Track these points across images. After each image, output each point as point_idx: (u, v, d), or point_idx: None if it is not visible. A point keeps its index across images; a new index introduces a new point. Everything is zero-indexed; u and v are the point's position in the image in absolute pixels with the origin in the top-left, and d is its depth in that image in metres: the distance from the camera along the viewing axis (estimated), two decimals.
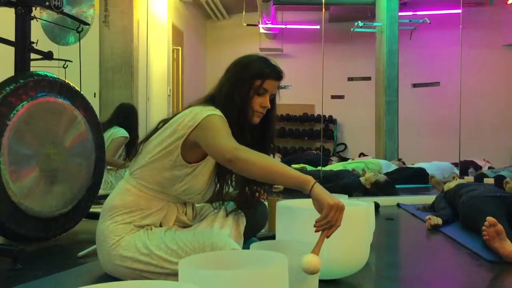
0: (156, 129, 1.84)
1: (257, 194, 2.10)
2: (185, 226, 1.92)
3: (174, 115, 1.83)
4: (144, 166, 1.79)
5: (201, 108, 1.75)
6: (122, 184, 1.86)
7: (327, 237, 1.44)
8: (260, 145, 1.88)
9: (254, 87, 1.80)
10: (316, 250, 1.40)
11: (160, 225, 1.82)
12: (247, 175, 1.66)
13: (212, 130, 1.67)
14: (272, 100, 1.88)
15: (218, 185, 1.89)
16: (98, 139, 2.76)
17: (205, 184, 1.82)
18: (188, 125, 1.71)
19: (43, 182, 2.39)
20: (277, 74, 1.84)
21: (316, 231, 1.45)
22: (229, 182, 1.93)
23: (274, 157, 1.95)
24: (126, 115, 4.39)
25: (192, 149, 1.73)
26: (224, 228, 1.89)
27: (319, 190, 1.46)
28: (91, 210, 2.75)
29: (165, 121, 1.83)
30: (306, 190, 1.48)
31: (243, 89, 1.79)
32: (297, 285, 1.32)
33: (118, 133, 4.19)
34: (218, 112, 1.73)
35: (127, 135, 4.22)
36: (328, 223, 1.43)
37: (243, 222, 1.96)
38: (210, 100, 1.84)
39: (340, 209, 1.44)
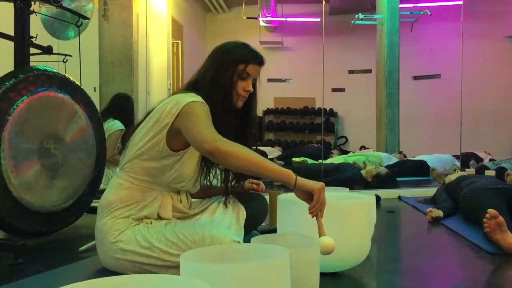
0: (141, 122, 1.86)
1: (254, 186, 2.11)
2: (183, 215, 1.92)
3: (157, 104, 1.83)
4: (133, 159, 1.80)
5: (182, 95, 1.77)
6: (114, 179, 1.87)
7: (321, 217, 1.55)
8: (243, 129, 1.93)
9: (237, 72, 1.84)
10: (323, 232, 1.51)
11: (158, 216, 1.82)
12: (228, 167, 1.72)
13: (193, 117, 1.68)
14: (254, 85, 1.92)
15: (205, 168, 1.91)
16: (98, 133, 2.76)
17: (194, 170, 1.84)
18: (171, 113, 1.72)
19: (44, 177, 2.39)
20: (259, 59, 1.89)
21: (312, 216, 1.54)
22: (217, 165, 1.94)
23: (257, 142, 2.01)
24: (123, 106, 4.25)
25: (177, 137, 1.74)
26: (224, 221, 1.90)
27: (302, 180, 1.56)
28: (92, 204, 2.75)
29: (149, 113, 1.85)
30: (291, 182, 1.56)
31: (227, 73, 1.82)
32: (298, 279, 1.32)
33: (113, 126, 4.06)
34: (199, 98, 1.75)
35: (123, 127, 4.07)
36: (320, 205, 1.53)
37: (243, 215, 1.97)
38: (192, 85, 1.87)
39: (323, 188, 1.56)
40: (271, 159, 7.08)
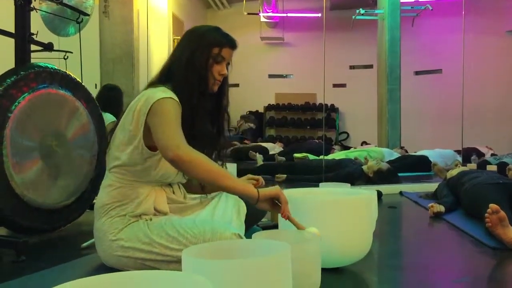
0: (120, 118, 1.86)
1: (253, 181, 2.12)
2: (180, 205, 1.92)
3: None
4: (119, 166, 1.80)
5: (153, 90, 1.75)
6: (105, 182, 1.86)
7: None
8: (217, 113, 1.94)
9: (212, 55, 1.83)
10: (302, 226, 1.57)
11: (155, 209, 1.82)
12: (190, 176, 1.76)
13: (161, 118, 1.67)
14: (226, 69, 1.91)
15: None
16: (100, 130, 2.76)
17: None
18: (142, 111, 1.71)
19: (46, 174, 2.40)
20: (233, 43, 1.88)
21: (286, 217, 1.58)
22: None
23: (229, 130, 2.04)
24: (113, 98, 4.12)
25: (152, 134, 1.73)
26: (225, 216, 1.90)
27: (263, 190, 1.60)
28: (94, 201, 2.76)
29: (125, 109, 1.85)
30: (254, 196, 1.59)
31: (202, 56, 1.82)
32: (300, 274, 1.32)
33: (105, 119, 4.00)
34: (169, 94, 1.73)
35: (114, 119, 3.90)
36: (287, 205, 1.59)
37: (243, 210, 1.97)
38: (166, 72, 1.86)
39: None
40: (273, 155, 7.09)
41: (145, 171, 1.78)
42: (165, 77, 1.85)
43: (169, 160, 1.60)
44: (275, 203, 1.62)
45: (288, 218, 1.58)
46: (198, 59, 1.81)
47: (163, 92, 1.72)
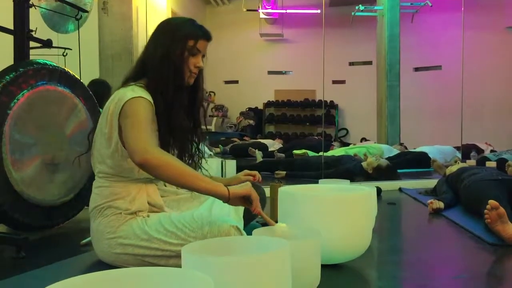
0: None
1: (250, 177, 2.12)
2: (176, 196, 1.92)
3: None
4: (104, 169, 1.80)
5: (124, 90, 1.73)
6: (95, 184, 1.87)
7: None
8: (192, 107, 1.92)
9: (188, 48, 1.81)
10: (273, 222, 1.60)
11: (149, 204, 1.82)
12: (159, 179, 1.74)
13: (131, 119, 1.65)
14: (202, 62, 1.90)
15: None
16: None
17: None
18: (115, 113, 1.71)
19: (45, 171, 2.40)
20: (208, 35, 1.87)
21: (259, 213, 1.60)
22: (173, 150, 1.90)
23: (206, 124, 2.05)
24: (101, 93, 4.12)
25: None
26: (223, 212, 1.90)
27: (233, 188, 1.60)
28: None
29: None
30: (224, 195, 1.58)
31: (177, 49, 1.79)
32: (299, 271, 1.32)
33: None
34: (140, 92, 1.71)
35: None
36: (258, 201, 1.60)
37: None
38: (140, 67, 1.84)
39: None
40: (272, 152, 7.09)
41: (130, 171, 1.77)
42: (139, 72, 1.83)
43: (137, 165, 1.57)
44: (247, 200, 1.61)
45: (259, 213, 1.60)
46: (173, 52, 1.78)
47: (133, 92, 1.70)
